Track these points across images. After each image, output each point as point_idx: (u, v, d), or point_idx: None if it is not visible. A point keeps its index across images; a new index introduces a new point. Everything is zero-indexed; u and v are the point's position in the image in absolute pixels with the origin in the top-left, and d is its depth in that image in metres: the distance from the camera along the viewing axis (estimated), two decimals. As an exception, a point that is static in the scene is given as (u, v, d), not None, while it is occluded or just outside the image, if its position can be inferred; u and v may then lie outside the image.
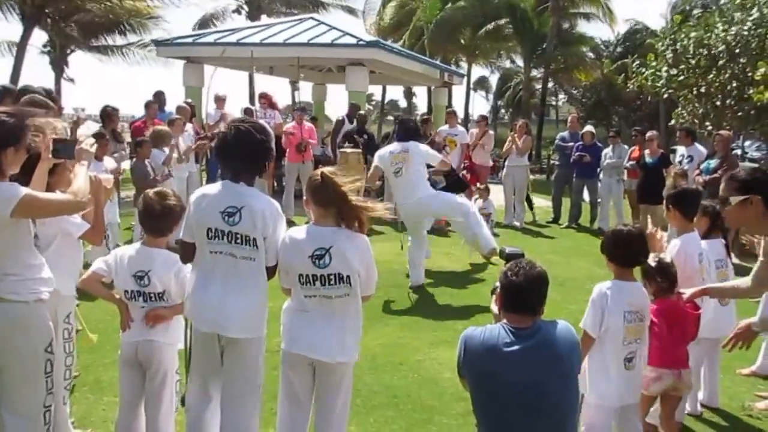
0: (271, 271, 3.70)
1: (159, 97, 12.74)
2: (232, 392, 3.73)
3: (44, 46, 24.49)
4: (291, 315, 3.73)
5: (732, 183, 3.67)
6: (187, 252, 3.77)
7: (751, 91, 13.70)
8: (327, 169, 3.73)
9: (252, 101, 15.16)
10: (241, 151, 3.63)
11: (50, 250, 3.94)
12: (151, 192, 4.01)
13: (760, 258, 3.88)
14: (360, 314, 3.75)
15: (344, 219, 3.63)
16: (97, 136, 8.07)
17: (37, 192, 3.38)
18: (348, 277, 3.57)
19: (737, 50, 13.69)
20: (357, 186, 3.67)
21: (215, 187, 3.69)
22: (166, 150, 9.60)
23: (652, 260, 4.22)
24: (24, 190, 3.25)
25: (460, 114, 18.58)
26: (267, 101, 14.54)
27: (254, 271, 3.64)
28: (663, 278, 4.22)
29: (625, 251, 3.91)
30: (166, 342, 3.90)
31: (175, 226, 3.96)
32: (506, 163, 13.75)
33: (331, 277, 3.56)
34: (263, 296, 3.72)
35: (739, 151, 21.93)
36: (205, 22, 32.87)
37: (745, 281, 4.08)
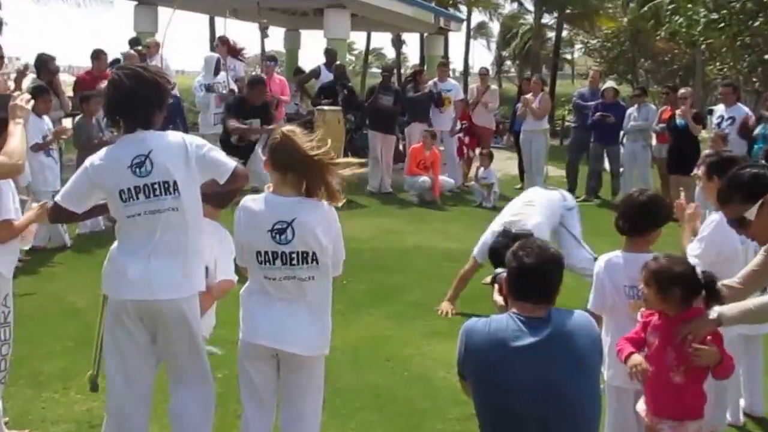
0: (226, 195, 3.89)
1: (98, 57, 11.86)
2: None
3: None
4: (250, 300, 3.73)
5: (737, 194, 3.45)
6: (59, 215, 3.92)
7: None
8: (288, 128, 3.74)
9: (213, 48, 14.95)
10: (121, 102, 3.72)
11: None
12: None
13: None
14: (330, 299, 3.77)
15: (308, 186, 3.62)
16: (38, 90, 8.04)
17: None
18: (314, 254, 3.57)
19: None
20: (321, 145, 3.64)
21: (116, 145, 3.76)
22: None
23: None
24: None
25: (459, 66, 18.49)
26: (226, 47, 13.79)
27: (179, 225, 3.70)
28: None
29: (636, 220, 3.97)
30: None
31: None
32: (522, 128, 13.66)
33: (293, 255, 3.56)
34: (197, 258, 3.81)
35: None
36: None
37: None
